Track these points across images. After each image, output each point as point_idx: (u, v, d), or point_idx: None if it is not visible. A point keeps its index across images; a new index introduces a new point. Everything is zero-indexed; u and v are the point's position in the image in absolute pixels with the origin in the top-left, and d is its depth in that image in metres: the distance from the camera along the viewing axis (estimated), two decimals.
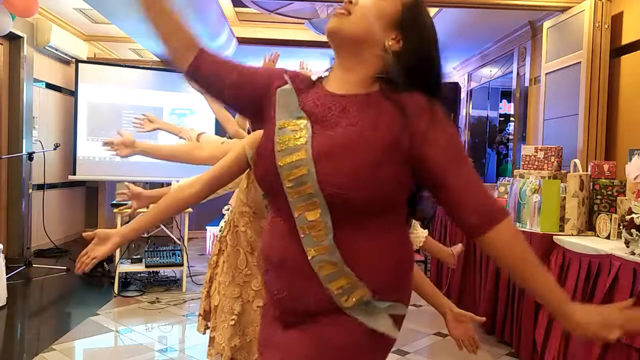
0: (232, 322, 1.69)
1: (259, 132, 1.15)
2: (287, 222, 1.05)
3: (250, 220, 1.71)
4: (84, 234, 1.37)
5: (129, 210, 1.90)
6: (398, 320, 1.08)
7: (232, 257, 1.75)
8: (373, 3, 1.06)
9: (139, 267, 4.52)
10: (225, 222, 1.86)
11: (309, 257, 1.01)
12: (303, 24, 5.90)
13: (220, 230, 1.88)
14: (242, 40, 6.11)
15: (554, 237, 2.85)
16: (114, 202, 4.82)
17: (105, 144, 2.11)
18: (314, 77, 1.14)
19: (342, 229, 1.01)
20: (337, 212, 1.00)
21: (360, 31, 1.05)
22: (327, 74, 1.13)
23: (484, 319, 1.21)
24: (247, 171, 1.59)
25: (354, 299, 1.02)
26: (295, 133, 1.03)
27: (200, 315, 1.89)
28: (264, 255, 1.12)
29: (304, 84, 1.12)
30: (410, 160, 1.01)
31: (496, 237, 1.00)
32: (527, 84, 5.14)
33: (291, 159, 1.01)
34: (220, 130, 2.84)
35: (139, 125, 2.60)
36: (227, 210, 1.89)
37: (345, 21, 1.05)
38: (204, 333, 1.89)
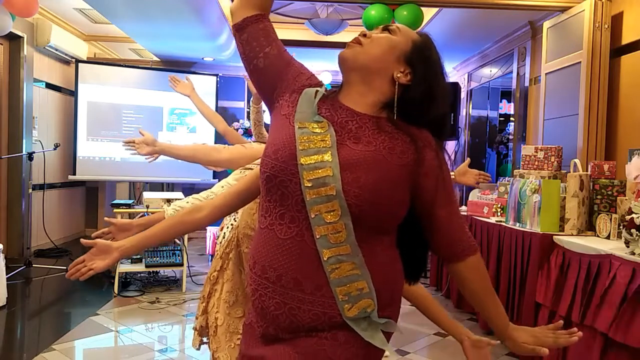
0: (239, 342, 1.67)
1: None
2: (290, 228, 1.03)
3: None
4: (82, 241, 1.35)
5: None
6: (388, 337, 1.10)
7: (236, 276, 1.72)
8: (385, 36, 1.13)
9: (139, 267, 4.53)
10: (227, 240, 1.84)
11: (324, 259, 1.00)
12: (303, 24, 5.91)
13: (220, 243, 1.86)
14: None
15: (554, 237, 2.85)
16: (113, 202, 4.82)
17: (126, 142, 2.12)
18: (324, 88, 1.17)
19: (359, 237, 1.02)
20: (354, 221, 1.01)
21: (369, 60, 1.11)
22: (341, 87, 1.17)
23: (498, 341, 1.26)
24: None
25: (357, 310, 1.02)
26: (318, 135, 1.05)
27: (195, 330, 1.86)
28: (258, 270, 1.07)
29: (323, 92, 1.15)
30: (413, 187, 1.08)
31: (470, 264, 1.16)
32: (527, 84, 5.14)
33: (315, 159, 1.02)
34: (217, 136, 2.83)
35: None
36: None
37: (356, 51, 1.12)
38: (199, 349, 1.87)
